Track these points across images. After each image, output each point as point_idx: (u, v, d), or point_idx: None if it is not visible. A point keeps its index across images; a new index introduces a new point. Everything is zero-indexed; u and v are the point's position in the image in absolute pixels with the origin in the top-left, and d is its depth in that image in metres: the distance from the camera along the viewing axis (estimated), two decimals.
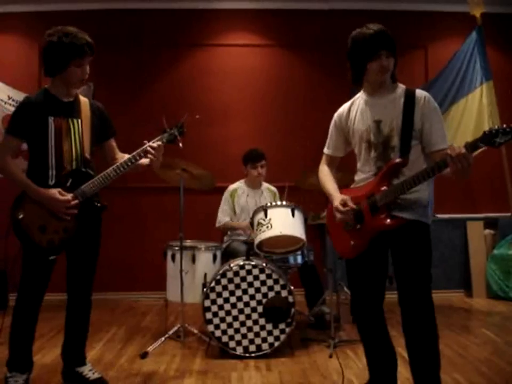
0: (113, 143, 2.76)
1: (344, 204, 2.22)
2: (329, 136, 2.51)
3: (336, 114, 2.47)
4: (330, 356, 3.11)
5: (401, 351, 2.75)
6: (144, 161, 2.60)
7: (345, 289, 3.97)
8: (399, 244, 2.17)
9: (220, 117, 5.20)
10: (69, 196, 2.46)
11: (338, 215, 2.25)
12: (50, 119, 2.49)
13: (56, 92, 2.55)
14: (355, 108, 2.33)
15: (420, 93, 2.19)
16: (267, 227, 3.35)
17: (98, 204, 2.58)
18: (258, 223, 3.43)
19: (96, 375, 2.64)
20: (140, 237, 5.09)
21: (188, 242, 3.71)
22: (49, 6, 5.11)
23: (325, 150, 2.51)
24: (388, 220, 2.13)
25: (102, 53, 5.01)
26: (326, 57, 5.23)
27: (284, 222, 3.39)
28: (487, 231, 5.01)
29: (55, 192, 2.43)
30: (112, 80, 5.15)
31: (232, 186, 4.20)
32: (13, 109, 4.50)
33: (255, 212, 3.54)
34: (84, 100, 2.64)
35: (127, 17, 5.19)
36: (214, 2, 5.26)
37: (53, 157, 2.49)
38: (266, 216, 3.41)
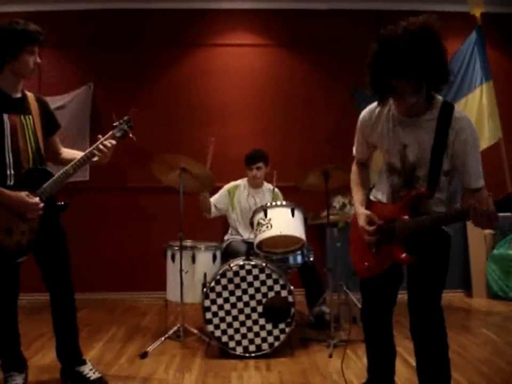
0: (57, 138, 2.70)
1: (370, 221, 2.08)
2: (355, 138, 2.27)
3: (361, 117, 2.18)
4: (330, 356, 3.11)
5: (401, 351, 2.76)
6: (100, 155, 2.54)
7: (345, 289, 3.97)
8: (418, 249, 2.05)
9: (220, 116, 5.20)
10: (37, 199, 2.39)
11: (366, 237, 2.10)
12: (5, 116, 2.41)
13: (5, 87, 2.44)
14: (382, 119, 2.07)
15: (457, 118, 1.92)
16: (267, 227, 3.35)
17: (62, 203, 2.53)
18: (258, 223, 3.43)
19: (96, 375, 2.63)
20: (140, 237, 5.08)
21: (188, 242, 3.71)
22: (49, 6, 5.11)
23: (353, 152, 2.32)
24: (403, 255, 2.00)
25: (101, 52, 5.14)
26: (326, 57, 5.24)
27: (283, 222, 3.39)
28: (487, 231, 5.01)
29: (23, 195, 2.35)
30: (112, 80, 5.15)
31: (233, 183, 4.22)
32: None
33: (255, 212, 3.54)
34: (30, 95, 2.57)
35: (127, 17, 5.19)
36: (214, 2, 5.26)
37: (10, 156, 2.40)
38: (266, 216, 3.41)
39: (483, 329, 3.76)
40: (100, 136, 2.55)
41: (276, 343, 3.16)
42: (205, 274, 3.47)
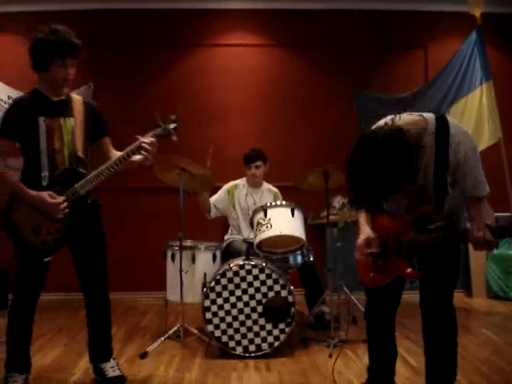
0: (107, 141, 2.73)
1: (368, 243, 2.08)
2: None
3: None
4: (330, 356, 3.11)
5: (401, 351, 2.76)
6: (137, 157, 2.55)
7: (345, 289, 3.97)
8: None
9: (220, 116, 5.21)
10: (59, 198, 2.43)
11: (357, 254, 2.13)
12: (41, 119, 2.47)
13: (45, 91, 2.51)
14: None
15: (453, 134, 1.90)
16: (267, 227, 3.35)
17: (89, 201, 2.54)
18: (258, 223, 3.43)
19: (115, 373, 2.66)
20: (140, 237, 5.09)
21: (188, 242, 3.71)
22: (49, 6, 5.11)
23: None
24: (409, 270, 2.00)
25: (102, 52, 5.14)
26: (326, 57, 5.24)
27: (283, 222, 3.39)
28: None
29: (45, 195, 2.40)
30: (112, 80, 5.15)
31: (233, 182, 4.22)
32: None
33: (255, 212, 3.54)
34: (76, 98, 2.61)
35: (127, 17, 5.19)
36: (213, 2, 5.25)
37: (45, 158, 2.47)
38: (266, 216, 3.41)
39: (483, 329, 3.76)
40: (138, 136, 2.52)
41: (276, 343, 3.16)
42: (205, 274, 3.48)
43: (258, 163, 4.07)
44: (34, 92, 2.53)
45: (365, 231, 2.13)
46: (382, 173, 1.74)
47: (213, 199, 4.12)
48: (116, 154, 2.64)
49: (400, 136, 1.78)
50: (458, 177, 1.94)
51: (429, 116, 1.98)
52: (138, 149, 2.49)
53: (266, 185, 4.24)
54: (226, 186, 4.20)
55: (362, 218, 2.19)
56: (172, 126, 2.55)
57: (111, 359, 2.71)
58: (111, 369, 2.66)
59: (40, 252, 2.45)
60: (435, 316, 2.08)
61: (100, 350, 2.70)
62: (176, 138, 2.56)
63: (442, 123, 1.94)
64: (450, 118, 1.98)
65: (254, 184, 4.16)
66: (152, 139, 2.51)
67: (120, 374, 2.68)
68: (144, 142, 2.48)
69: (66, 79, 2.48)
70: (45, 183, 2.47)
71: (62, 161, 2.50)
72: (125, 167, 2.56)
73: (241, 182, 4.21)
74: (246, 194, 4.14)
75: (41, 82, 2.52)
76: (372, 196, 1.82)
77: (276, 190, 4.26)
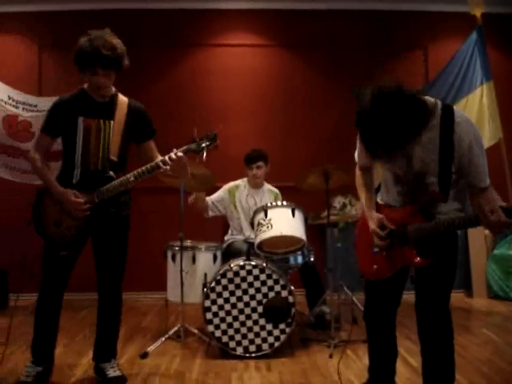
0: (151, 145, 2.75)
1: (382, 225, 2.07)
2: (357, 144, 2.21)
3: None
4: (331, 356, 3.11)
5: (401, 351, 2.76)
6: (167, 168, 2.52)
7: (346, 289, 3.97)
8: (428, 250, 2.04)
9: (220, 116, 5.20)
10: (81, 199, 2.51)
11: (377, 241, 2.09)
12: (80, 119, 2.53)
13: (91, 91, 2.59)
14: None
15: (458, 122, 1.91)
16: (267, 227, 3.35)
17: (112, 210, 2.62)
18: (259, 223, 3.43)
19: (116, 373, 2.67)
20: (140, 237, 5.05)
21: (188, 243, 3.70)
22: (49, 6, 5.11)
23: (355, 157, 2.28)
24: (418, 259, 2.00)
25: None
26: (326, 57, 5.24)
27: (284, 222, 3.39)
28: (487, 231, 5.01)
29: (70, 193, 2.50)
30: None
31: (233, 183, 4.20)
32: (13, 109, 4.52)
33: (255, 212, 3.54)
34: (122, 101, 2.65)
35: (126, 17, 5.18)
36: (213, 2, 5.25)
37: (79, 157, 2.55)
38: (266, 216, 3.41)
39: (483, 329, 3.76)
40: (174, 149, 2.51)
41: (276, 343, 3.16)
42: (205, 275, 3.47)
43: (260, 163, 4.07)
44: (80, 91, 2.60)
45: (375, 216, 2.11)
46: (397, 118, 1.75)
47: (212, 197, 4.11)
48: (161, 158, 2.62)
49: (414, 93, 1.82)
50: (463, 166, 1.94)
51: (437, 101, 1.98)
52: (164, 163, 2.49)
53: (267, 186, 4.23)
54: (226, 186, 4.19)
55: (368, 206, 2.17)
56: (205, 144, 2.52)
57: (112, 360, 2.72)
58: (111, 369, 2.68)
59: (58, 245, 2.53)
60: (430, 318, 2.06)
61: (105, 350, 2.72)
62: (205, 158, 2.53)
63: (448, 110, 1.95)
64: (456, 108, 1.98)
65: (255, 184, 4.16)
66: (180, 154, 2.49)
67: (121, 374, 2.70)
68: (169, 157, 2.49)
69: (99, 87, 2.54)
70: (75, 181, 2.55)
71: (95, 162, 2.56)
72: (163, 175, 2.65)
73: (242, 182, 4.20)
74: (247, 195, 4.14)
75: (88, 84, 2.60)
76: (387, 141, 1.80)
77: (276, 190, 4.25)
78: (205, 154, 2.53)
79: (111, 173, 2.56)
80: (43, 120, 2.63)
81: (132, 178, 2.54)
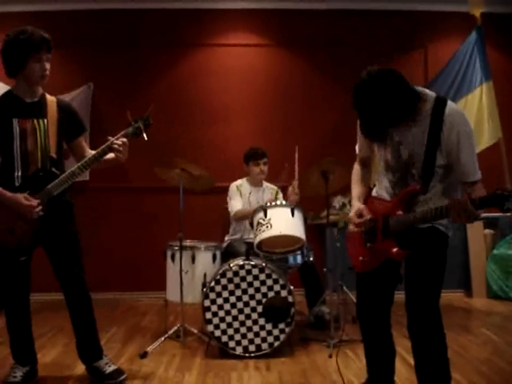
0: (82, 141, 2.74)
1: (360, 214, 2.13)
2: (358, 136, 2.29)
3: None
4: (330, 356, 3.11)
5: (401, 351, 2.76)
6: (111, 155, 2.56)
7: (345, 289, 3.97)
8: (414, 249, 2.06)
9: (220, 116, 5.21)
10: (34, 201, 2.45)
11: (351, 226, 2.19)
12: (15, 121, 2.50)
13: (20, 92, 2.54)
14: None
15: (449, 113, 1.94)
16: (267, 227, 3.35)
17: (62, 198, 2.57)
18: (258, 223, 3.43)
19: (112, 368, 2.69)
20: (140, 236, 5.08)
21: (188, 242, 3.70)
22: (49, 6, 5.11)
23: (356, 149, 2.35)
24: (395, 249, 2.03)
25: (101, 52, 5.13)
26: (325, 57, 5.24)
27: (283, 221, 3.39)
28: (487, 231, 5.01)
29: (21, 197, 2.44)
30: (111, 80, 5.15)
31: (236, 182, 4.19)
32: None
33: (255, 212, 3.54)
34: (50, 99, 2.63)
35: (126, 17, 5.19)
36: (214, 2, 5.25)
37: (19, 158, 2.50)
38: (266, 216, 3.41)
39: (483, 329, 3.76)
40: (109, 137, 2.54)
41: (276, 343, 3.16)
42: (205, 274, 3.48)
43: (266, 159, 4.09)
44: (7, 94, 2.56)
45: (355, 205, 2.19)
46: (388, 96, 1.88)
47: (237, 199, 4.05)
48: (92, 152, 2.65)
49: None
50: (451, 159, 1.95)
51: (431, 92, 2.03)
52: (110, 149, 2.52)
53: (265, 184, 4.23)
54: (234, 186, 4.14)
55: (355, 197, 2.24)
56: (140, 125, 2.56)
57: (103, 356, 2.73)
58: (106, 365, 2.69)
59: (15, 252, 2.49)
60: (419, 317, 2.06)
61: (90, 349, 2.72)
62: (146, 137, 2.56)
63: (441, 101, 1.97)
64: (450, 102, 2.00)
65: (258, 182, 4.15)
66: (124, 139, 2.53)
67: (116, 367, 2.72)
68: (114, 143, 2.50)
69: (43, 75, 2.51)
70: (17, 184, 2.49)
71: (35, 162, 2.52)
72: (98, 166, 2.61)
73: (242, 182, 4.20)
74: (250, 193, 4.13)
75: (17, 85, 2.55)
76: (379, 119, 1.92)
77: (275, 187, 4.25)
78: (145, 135, 2.55)
79: (54, 169, 2.53)
80: None
81: (77, 170, 2.51)
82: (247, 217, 3.78)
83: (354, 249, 2.25)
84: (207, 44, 5.28)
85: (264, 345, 3.15)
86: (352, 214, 2.18)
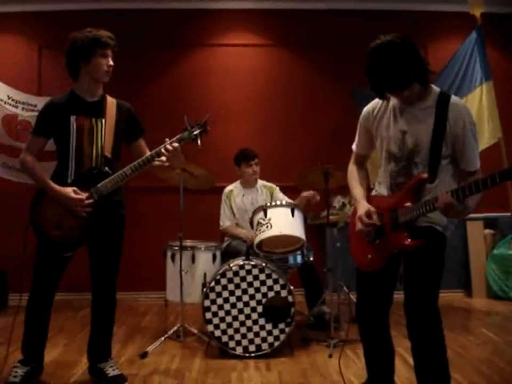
0: (142, 143, 2.77)
1: (369, 215, 2.10)
2: (357, 133, 2.30)
3: (364, 110, 2.24)
4: (330, 356, 3.11)
5: (401, 351, 2.76)
6: (163, 159, 2.56)
7: (345, 289, 3.97)
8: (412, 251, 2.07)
9: (220, 116, 5.20)
10: (83, 195, 2.50)
11: (359, 226, 2.14)
12: (72, 118, 2.55)
13: (81, 91, 2.60)
14: (383, 109, 2.14)
15: (454, 104, 1.99)
16: (267, 227, 3.35)
17: (109, 209, 2.61)
18: (258, 223, 3.43)
19: (115, 372, 2.68)
20: (140, 236, 5.07)
21: (188, 242, 3.70)
22: (49, 6, 5.12)
23: (353, 147, 2.34)
24: (409, 240, 2.02)
25: None
26: (326, 57, 5.24)
27: (283, 221, 3.39)
28: (487, 231, 5.01)
29: (69, 190, 2.49)
30: (112, 80, 5.10)
31: (228, 188, 4.18)
32: (12, 108, 4.52)
33: (255, 212, 3.54)
34: (110, 100, 2.67)
35: (127, 17, 5.19)
36: (214, 2, 5.26)
37: (73, 155, 2.55)
38: (266, 216, 3.41)
39: (483, 329, 3.76)
40: (166, 139, 2.53)
41: (276, 343, 3.16)
42: (205, 274, 3.48)
43: (257, 160, 4.09)
44: (70, 93, 2.61)
45: (364, 205, 2.16)
46: (400, 57, 1.89)
47: (226, 214, 4.07)
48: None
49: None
50: (455, 149, 2.01)
51: (436, 87, 2.07)
52: (159, 154, 2.52)
53: (260, 182, 4.21)
54: (224, 195, 4.14)
55: (358, 194, 2.23)
56: (197, 131, 2.56)
57: (109, 359, 2.73)
58: (111, 368, 2.69)
59: (60, 246, 2.52)
60: (418, 317, 2.05)
61: (101, 350, 2.73)
62: (201, 145, 2.56)
63: (445, 94, 2.03)
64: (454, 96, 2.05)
65: (251, 182, 4.13)
66: (176, 144, 2.52)
67: (120, 372, 2.70)
68: (164, 148, 2.51)
69: (108, 71, 2.57)
70: (69, 180, 2.55)
71: (89, 160, 2.56)
72: (152, 170, 2.63)
73: (235, 186, 4.17)
74: (243, 195, 4.12)
75: (79, 83, 2.59)
76: (391, 79, 1.91)
77: (270, 184, 4.22)
78: (199, 141, 2.55)
79: (107, 168, 2.56)
80: (35, 123, 2.64)
81: (129, 172, 2.54)
82: (236, 238, 3.89)
83: (360, 248, 2.22)
84: (207, 44, 5.29)
85: (264, 345, 3.15)
86: (361, 213, 2.14)
